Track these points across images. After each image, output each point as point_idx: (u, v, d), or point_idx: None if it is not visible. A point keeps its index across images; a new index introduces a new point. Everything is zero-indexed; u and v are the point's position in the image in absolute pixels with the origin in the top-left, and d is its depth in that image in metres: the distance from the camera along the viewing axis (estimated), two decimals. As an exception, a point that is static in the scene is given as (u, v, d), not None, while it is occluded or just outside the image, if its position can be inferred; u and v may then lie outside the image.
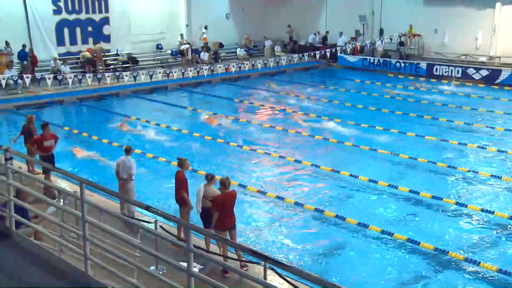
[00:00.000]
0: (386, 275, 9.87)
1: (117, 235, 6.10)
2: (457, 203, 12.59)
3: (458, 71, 27.22)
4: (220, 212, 9.25)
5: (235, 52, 32.68)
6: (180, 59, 30.87)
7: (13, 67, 24.37)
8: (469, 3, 28.30)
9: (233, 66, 27.87)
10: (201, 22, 32.29)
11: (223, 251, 9.20)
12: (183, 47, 30.73)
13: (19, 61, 25.16)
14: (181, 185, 10.28)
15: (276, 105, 22.77)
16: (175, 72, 26.16)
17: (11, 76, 22.95)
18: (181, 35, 31.53)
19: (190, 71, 26.48)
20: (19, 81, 23.05)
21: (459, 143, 17.08)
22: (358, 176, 14.20)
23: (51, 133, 13.04)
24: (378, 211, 12.47)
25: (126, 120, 19.62)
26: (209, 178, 9.82)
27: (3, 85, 22.64)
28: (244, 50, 32.53)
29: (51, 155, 12.98)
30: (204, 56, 30.44)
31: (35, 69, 25.28)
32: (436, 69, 27.97)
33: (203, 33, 32.20)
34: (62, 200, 8.86)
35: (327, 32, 33.69)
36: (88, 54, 27.24)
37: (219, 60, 31.57)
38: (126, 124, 19.35)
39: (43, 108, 22.17)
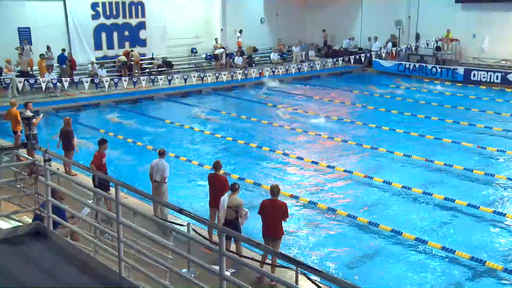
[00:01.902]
0: (420, 284, 9.70)
1: (151, 237, 6.17)
2: (494, 212, 12.28)
3: (497, 76, 26.62)
4: (262, 218, 9.24)
5: (269, 56, 32.74)
6: (214, 63, 31.12)
7: (53, 71, 25.01)
8: (510, 7, 27.62)
9: (267, 71, 27.91)
10: (235, 26, 32.48)
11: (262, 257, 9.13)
12: (217, 51, 30.96)
13: (58, 64, 25.81)
14: (224, 187, 10.31)
15: (309, 110, 22.68)
16: (209, 76, 26.36)
17: (51, 79, 23.56)
18: (216, 39, 31.78)
19: (224, 75, 26.65)
20: (58, 84, 23.62)
21: (498, 150, 16.67)
22: (391, 183, 14.01)
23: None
24: (412, 218, 12.27)
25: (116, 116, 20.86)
26: (236, 187, 9.64)
27: (43, 88, 23.26)
28: (278, 55, 32.55)
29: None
30: (238, 60, 30.59)
31: (74, 72, 25.88)
32: (474, 74, 27.39)
33: (238, 37, 32.36)
34: (97, 202, 9.04)
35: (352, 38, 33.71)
36: (124, 58, 27.67)
37: (253, 65, 31.68)
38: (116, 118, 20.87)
39: (80, 110, 22.65)
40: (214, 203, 10.48)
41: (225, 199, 9.61)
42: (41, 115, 16.14)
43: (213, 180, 10.52)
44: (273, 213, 9.13)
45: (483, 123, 19.88)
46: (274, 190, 9.19)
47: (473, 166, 15.21)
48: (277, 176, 15.04)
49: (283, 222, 9.22)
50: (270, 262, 9.04)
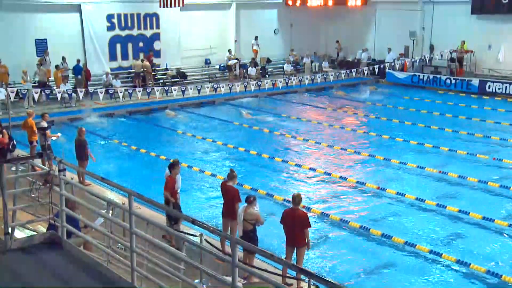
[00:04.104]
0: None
1: (163, 247, 6.19)
2: (510, 225, 12.12)
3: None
4: (283, 227, 9.24)
5: (283, 67, 32.80)
6: (227, 74, 31.25)
7: (68, 81, 25.28)
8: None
9: (280, 82, 27.96)
10: (249, 38, 32.63)
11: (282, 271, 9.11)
12: (231, 62, 31.09)
13: (73, 75, 26.11)
14: (233, 198, 10.29)
15: (322, 121, 22.66)
16: (222, 87, 26.47)
17: (66, 90, 23.80)
18: (229, 50, 31.93)
19: (238, 86, 26.73)
20: (73, 94, 23.86)
21: (514, 162, 16.50)
22: (404, 194, 13.92)
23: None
24: (426, 231, 12.17)
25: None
26: (251, 200, 9.62)
27: (59, 98, 23.52)
28: (292, 66, 32.59)
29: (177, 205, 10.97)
30: (252, 71, 30.68)
31: (88, 83, 26.15)
32: (489, 86, 27.17)
33: (253, 44, 32.49)
34: (110, 212, 9.09)
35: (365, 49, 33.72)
36: (139, 65, 27.81)
37: (267, 75, 31.75)
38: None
39: (95, 120, 22.79)
40: (225, 213, 10.48)
41: (240, 211, 9.60)
42: (59, 134, 16.11)
43: (223, 190, 10.53)
44: (293, 222, 9.13)
45: (498, 135, 19.67)
46: (296, 199, 9.19)
47: (488, 178, 15.04)
48: (289, 187, 15.00)
49: (307, 231, 9.20)
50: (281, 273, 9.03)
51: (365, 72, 29.90)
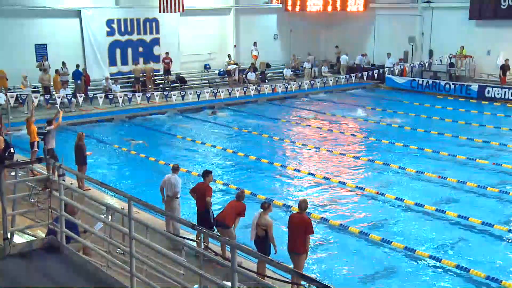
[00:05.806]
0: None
1: (163, 252, 6.18)
2: (509, 230, 12.13)
3: (512, 93, 26.46)
4: (288, 232, 9.27)
5: (282, 72, 32.84)
6: (227, 79, 31.28)
7: (68, 86, 25.32)
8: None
9: (280, 87, 27.99)
10: (249, 43, 32.71)
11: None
12: (230, 67, 31.13)
13: (73, 80, 26.13)
14: (238, 214, 10.21)
15: (322, 126, 22.68)
16: (222, 92, 26.50)
17: (66, 95, 23.82)
18: (229, 55, 31.98)
19: (237, 91, 26.76)
20: (73, 99, 23.87)
21: (513, 167, 16.50)
22: (404, 199, 13.91)
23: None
24: (425, 236, 12.16)
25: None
26: (266, 206, 9.61)
27: (58, 103, 23.53)
28: (291, 71, 32.63)
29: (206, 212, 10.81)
30: (251, 76, 30.72)
31: (88, 88, 26.17)
32: (488, 91, 27.21)
33: (252, 50, 32.54)
34: (110, 217, 9.07)
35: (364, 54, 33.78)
36: (139, 69, 27.87)
37: (266, 80, 31.78)
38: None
39: (94, 126, 22.82)
40: (227, 224, 10.34)
41: (255, 217, 9.59)
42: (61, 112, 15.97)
43: (234, 206, 10.40)
44: (296, 227, 9.15)
45: (497, 140, 19.67)
46: (302, 205, 9.22)
47: (488, 183, 15.04)
48: (289, 192, 15.01)
49: (308, 237, 9.20)
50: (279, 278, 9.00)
51: (364, 77, 29.98)
